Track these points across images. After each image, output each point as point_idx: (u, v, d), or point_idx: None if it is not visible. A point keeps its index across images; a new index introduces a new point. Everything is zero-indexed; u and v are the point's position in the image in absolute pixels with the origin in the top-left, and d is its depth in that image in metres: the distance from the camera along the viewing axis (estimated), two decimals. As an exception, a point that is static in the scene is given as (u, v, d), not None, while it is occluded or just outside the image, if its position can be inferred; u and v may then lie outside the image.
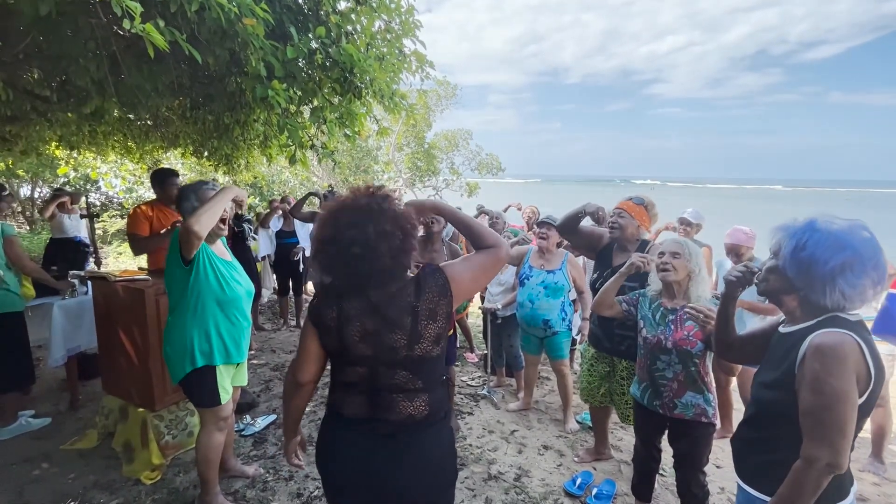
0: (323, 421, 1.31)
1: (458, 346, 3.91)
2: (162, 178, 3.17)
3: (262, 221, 5.06)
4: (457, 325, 3.37)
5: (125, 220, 11.12)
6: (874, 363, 1.11)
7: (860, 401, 1.10)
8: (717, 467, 2.77)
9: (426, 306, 1.20)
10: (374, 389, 1.22)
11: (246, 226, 4.57)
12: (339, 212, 1.19)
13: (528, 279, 3.13)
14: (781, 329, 1.28)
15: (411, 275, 1.26)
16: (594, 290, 2.49)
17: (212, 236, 2.11)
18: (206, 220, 1.92)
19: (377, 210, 1.17)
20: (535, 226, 3.25)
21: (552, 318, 3.05)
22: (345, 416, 1.25)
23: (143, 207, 3.11)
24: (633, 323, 2.34)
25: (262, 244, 5.39)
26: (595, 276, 2.60)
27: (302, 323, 5.25)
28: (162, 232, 2.93)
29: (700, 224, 3.66)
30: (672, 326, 1.98)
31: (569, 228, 2.66)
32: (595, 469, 2.69)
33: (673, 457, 2.11)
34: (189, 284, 2.01)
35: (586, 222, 2.69)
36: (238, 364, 2.23)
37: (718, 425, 2.92)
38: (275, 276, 5.40)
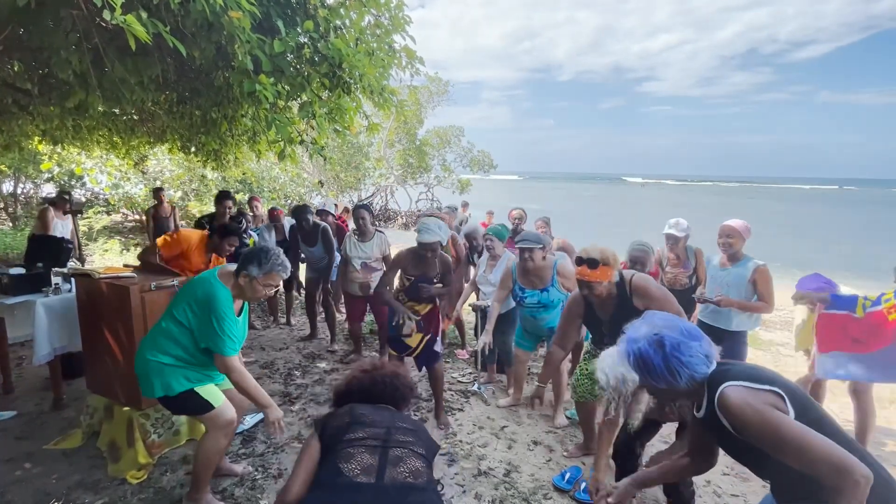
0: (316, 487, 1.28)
1: (447, 342, 3.92)
2: (224, 233, 3.33)
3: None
4: (443, 322, 3.36)
5: (111, 217, 10.96)
6: (769, 384, 1.20)
7: (793, 415, 1.17)
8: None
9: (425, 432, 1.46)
10: (386, 445, 1.32)
11: (253, 234, 4.68)
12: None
13: (524, 300, 3.13)
14: (696, 414, 1.38)
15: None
16: (601, 346, 2.41)
17: (242, 299, 2.12)
18: (235, 380, 2.00)
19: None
20: (515, 245, 3.12)
21: (556, 323, 3.07)
22: (343, 472, 1.25)
23: (192, 238, 3.31)
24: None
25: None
26: (596, 336, 2.51)
27: (292, 321, 5.23)
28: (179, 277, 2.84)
29: (687, 235, 3.55)
30: None
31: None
32: (584, 464, 2.72)
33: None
34: (193, 340, 2.02)
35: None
36: None
37: None
38: None
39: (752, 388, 1.20)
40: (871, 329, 2.68)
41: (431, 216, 3.00)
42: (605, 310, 2.39)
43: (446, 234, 2.95)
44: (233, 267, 2.11)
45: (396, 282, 3.09)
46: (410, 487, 1.24)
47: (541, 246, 2.99)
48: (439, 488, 1.38)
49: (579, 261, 2.35)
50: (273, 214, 5.06)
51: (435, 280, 2.97)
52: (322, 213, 4.91)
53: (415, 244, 2.91)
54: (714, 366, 1.28)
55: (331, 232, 4.38)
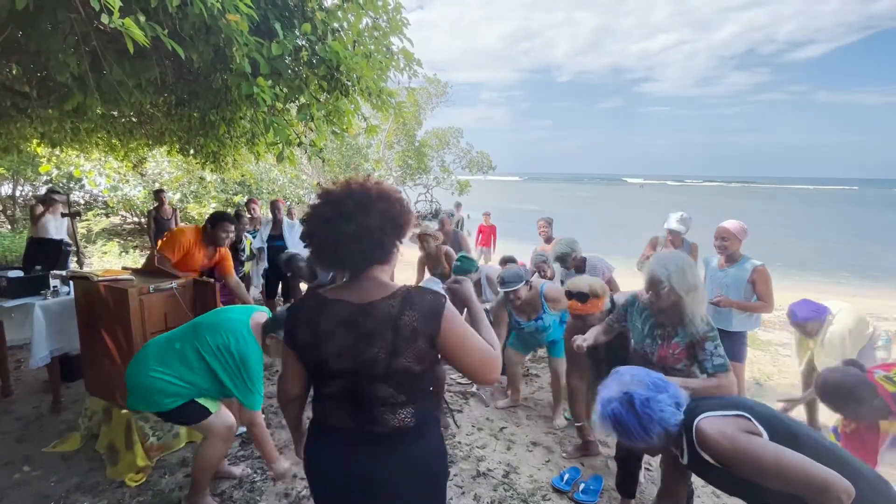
0: (308, 429, 1.29)
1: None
2: (216, 220, 3.28)
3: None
4: None
5: (110, 219, 10.95)
6: (735, 409, 1.25)
7: (766, 436, 1.20)
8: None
9: (409, 323, 1.12)
10: (357, 402, 1.18)
11: (248, 236, 4.65)
12: (340, 192, 1.16)
13: (523, 329, 3.19)
14: (682, 462, 1.42)
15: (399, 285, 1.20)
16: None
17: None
18: (259, 438, 2.06)
19: (373, 192, 1.15)
20: (499, 287, 3.10)
21: (557, 336, 3.15)
22: (330, 427, 1.22)
23: (188, 234, 3.22)
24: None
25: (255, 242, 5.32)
26: (594, 363, 2.52)
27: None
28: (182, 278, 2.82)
29: (687, 228, 3.62)
30: (659, 342, 1.98)
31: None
32: (583, 465, 2.72)
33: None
34: (211, 379, 2.02)
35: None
36: None
37: None
38: (263, 282, 5.33)
39: (722, 415, 1.24)
40: None
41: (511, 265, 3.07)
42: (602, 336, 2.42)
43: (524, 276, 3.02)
44: (262, 317, 2.14)
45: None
46: (387, 439, 1.18)
47: (523, 283, 3.00)
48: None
49: (569, 295, 2.45)
50: (274, 205, 5.07)
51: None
52: None
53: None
54: (683, 410, 1.33)
55: None
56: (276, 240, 5.10)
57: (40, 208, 4.95)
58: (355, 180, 1.19)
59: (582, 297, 2.41)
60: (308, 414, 1.32)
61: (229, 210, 8.84)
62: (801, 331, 2.97)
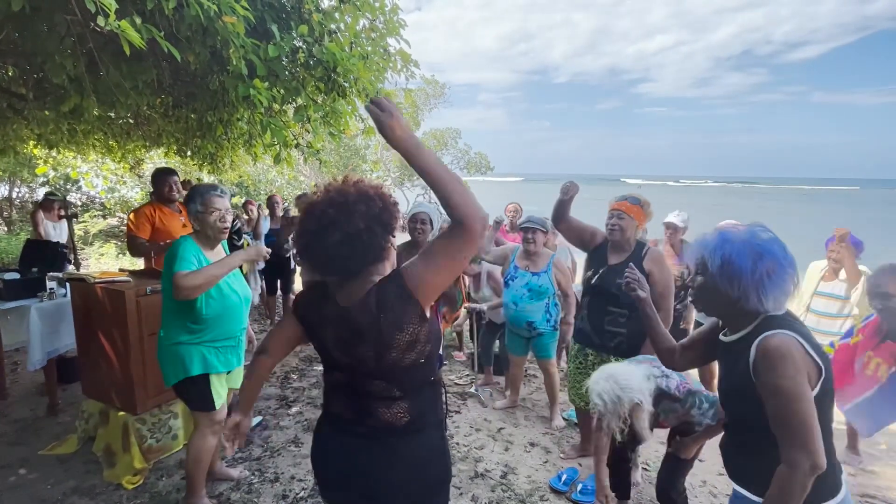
0: (319, 419, 1.34)
1: (444, 345, 3.92)
2: (155, 176, 3.24)
3: (255, 231, 5.01)
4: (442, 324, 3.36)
5: (107, 221, 10.92)
6: (818, 354, 1.16)
7: (814, 393, 1.14)
8: (700, 461, 2.81)
9: (389, 316, 1.12)
10: (354, 394, 1.21)
11: (246, 237, 4.60)
12: (321, 202, 1.15)
13: (513, 280, 3.12)
14: (723, 338, 1.32)
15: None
16: (590, 287, 2.48)
17: (212, 241, 2.10)
18: (199, 285, 1.89)
19: (357, 195, 1.14)
20: (519, 228, 3.19)
21: (536, 319, 3.06)
22: (333, 414, 1.27)
23: (145, 208, 3.15)
24: (625, 320, 2.36)
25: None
26: (590, 273, 2.53)
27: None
28: (162, 243, 2.95)
29: (686, 227, 3.65)
30: None
31: (559, 217, 2.58)
32: (580, 465, 2.72)
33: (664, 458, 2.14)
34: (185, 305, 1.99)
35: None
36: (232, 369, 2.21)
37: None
38: (263, 282, 5.32)
39: (805, 349, 1.14)
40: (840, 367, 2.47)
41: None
42: (616, 255, 2.43)
43: (435, 213, 2.87)
44: None
45: None
46: (386, 433, 1.20)
47: (544, 230, 3.02)
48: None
49: (622, 196, 2.40)
50: (270, 200, 5.08)
51: None
52: None
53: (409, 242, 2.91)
54: (785, 313, 1.21)
55: None
56: (272, 234, 5.08)
57: (40, 214, 4.93)
58: (334, 184, 1.18)
59: (635, 199, 2.35)
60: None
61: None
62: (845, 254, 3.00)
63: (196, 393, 2.06)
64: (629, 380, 1.81)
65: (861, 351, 2.41)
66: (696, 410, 1.89)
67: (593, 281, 2.46)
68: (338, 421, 1.26)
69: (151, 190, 3.39)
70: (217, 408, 2.09)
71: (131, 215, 3.15)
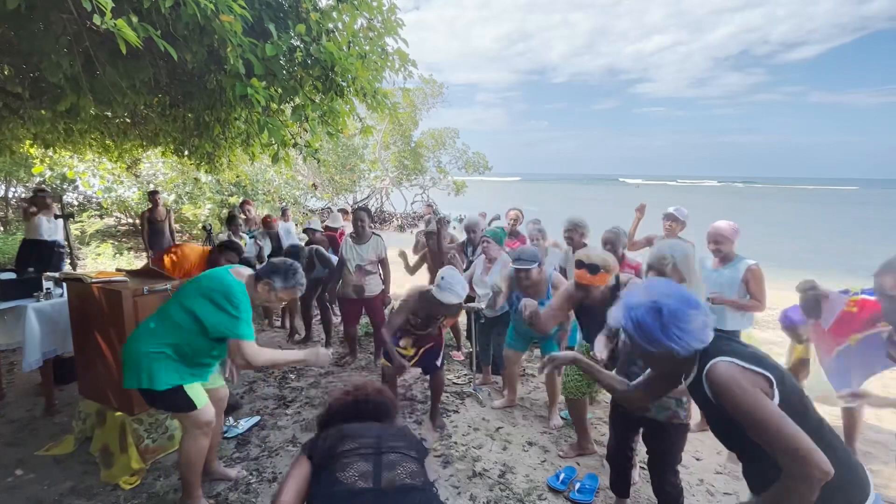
0: None
1: (444, 346, 3.90)
2: (222, 247, 3.34)
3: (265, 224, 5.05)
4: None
5: (104, 221, 10.87)
6: (759, 365, 1.21)
7: (776, 400, 1.18)
8: (697, 459, 2.83)
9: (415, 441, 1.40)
10: (379, 452, 1.30)
11: (245, 237, 4.66)
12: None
13: (519, 311, 3.13)
14: (683, 383, 1.40)
15: None
16: (591, 331, 2.48)
17: (254, 303, 2.10)
18: (261, 364, 1.99)
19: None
20: (512, 267, 3.10)
21: (551, 332, 3.08)
22: (342, 485, 1.25)
23: (193, 258, 3.29)
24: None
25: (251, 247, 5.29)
26: (585, 320, 2.57)
27: (287, 323, 5.20)
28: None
29: (685, 222, 3.69)
30: None
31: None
32: (578, 464, 2.73)
33: (647, 453, 2.15)
34: (196, 333, 2.00)
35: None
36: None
37: (696, 421, 2.98)
38: None
39: (742, 366, 1.20)
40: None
41: (453, 269, 2.84)
42: (597, 300, 2.42)
43: (465, 292, 2.78)
44: (245, 270, 2.13)
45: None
46: (411, 488, 1.24)
47: (537, 265, 2.99)
48: (434, 490, 1.35)
49: (579, 264, 2.37)
50: (266, 222, 5.04)
51: (437, 318, 2.93)
52: (308, 231, 4.92)
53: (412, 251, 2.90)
54: (711, 336, 1.27)
55: (323, 250, 4.40)
56: (276, 253, 5.10)
57: (32, 209, 4.92)
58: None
59: (594, 268, 2.34)
60: None
61: (224, 211, 8.83)
62: (791, 334, 3.01)
63: (171, 402, 2.04)
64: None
65: (854, 328, 2.47)
66: None
67: (593, 327, 2.44)
68: (345, 487, 1.25)
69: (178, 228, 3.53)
70: (199, 407, 2.07)
71: (178, 251, 3.30)
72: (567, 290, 2.56)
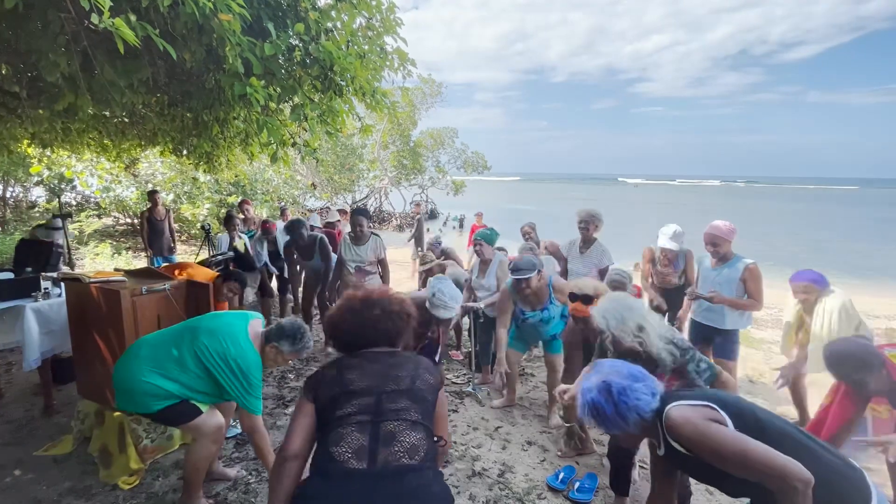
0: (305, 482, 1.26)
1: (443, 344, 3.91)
2: (226, 276, 3.24)
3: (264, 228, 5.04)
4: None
5: (102, 221, 10.85)
6: (704, 400, 1.31)
7: (731, 425, 1.25)
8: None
9: (421, 379, 1.38)
10: (377, 420, 1.26)
11: (243, 237, 4.66)
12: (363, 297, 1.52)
13: (526, 321, 3.14)
14: (659, 453, 1.48)
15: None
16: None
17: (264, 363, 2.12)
18: (260, 445, 2.05)
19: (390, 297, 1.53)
20: (510, 271, 3.05)
21: (558, 330, 3.14)
22: (336, 463, 1.21)
23: (199, 277, 3.16)
24: None
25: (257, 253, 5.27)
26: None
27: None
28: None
29: (680, 244, 3.55)
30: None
31: None
32: (578, 463, 2.73)
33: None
34: (210, 384, 2.01)
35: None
36: None
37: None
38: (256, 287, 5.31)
39: (689, 404, 1.30)
40: None
41: (445, 279, 2.79)
42: (596, 338, 2.40)
43: (458, 304, 2.74)
44: (259, 326, 2.13)
45: None
46: (406, 469, 1.20)
47: (536, 272, 2.98)
48: (431, 469, 1.28)
49: (573, 297, 2.41)
50: (265, 227, 5.03)
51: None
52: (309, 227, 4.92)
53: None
54: (657, 402, 1.37)
55: (328, 242, 4.38)
56: (274, 256, 5.11)
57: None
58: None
59: (587, 299, 2.38)
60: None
61: (222, 211, 8.81)
62: (800, 293, 2.94)
63: (173, 416, 2.02)
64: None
65: (846, 412, 2.18)
66: (692, 365, 1.86)
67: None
68: (339, 467, 1.22)
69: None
70: (204, 410, 2.06)
71: (182, 272, 3.15)
72: (567, 336, 2.66)
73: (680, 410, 1.30)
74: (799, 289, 2.94)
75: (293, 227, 4.30)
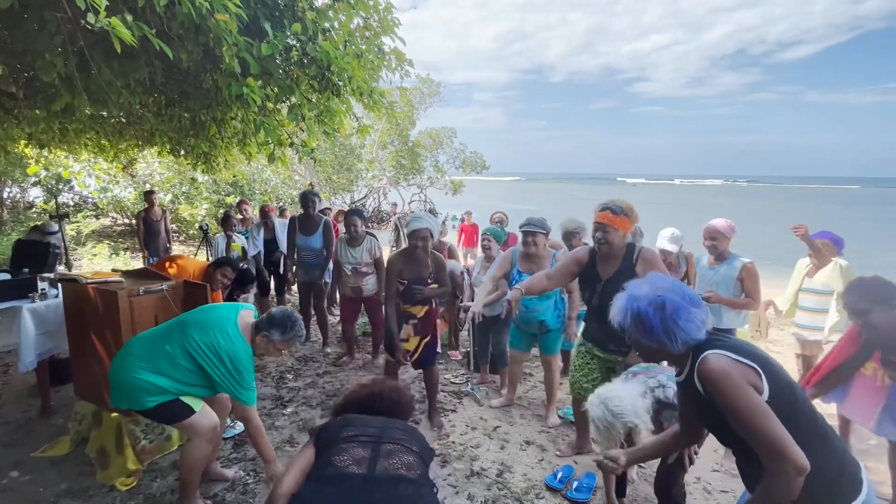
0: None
1: (441, 344, 3.92)
2: (217, 264, 3.29)
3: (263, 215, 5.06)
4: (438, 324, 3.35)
5: (100, 221, 10.83)
6: (749, 358, 1.23)
7: (765, 396, 1.20)
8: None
9: (418, 439, 1.44)
10: (378, 441, 1.31)
11: (241, 236, 4.68)
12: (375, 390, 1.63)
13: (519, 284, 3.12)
14: (677, 379, 1.44)
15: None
16: (590, 306, 2.46)
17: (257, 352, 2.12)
18: (254, 435, 2.07)
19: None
20: (519, 231, 3.15)
21: (547, 317, 3.09)
22: (335, 467, 1.26)
23: (191, 269, 3.24)
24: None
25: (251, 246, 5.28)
26: (587, 293, 2.47)
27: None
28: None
29: (680, 246, 3.58)
30: None
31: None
32: (576, 463, 2.73)
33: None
34: (203, 378, 2.01)
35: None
36: None
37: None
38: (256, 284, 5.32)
39: (733, 359, 1.23)
40: None
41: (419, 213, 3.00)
42: (607, 266, 2.38)
43: (436, 224, 2.95)
44: (249, 315, 2.12)
45: None
46: (401, 478, 1.24)
47: (544, 232, 3.00)
48: (434, 490, 1.33)
49: (603, 207, 2.32)
50: (263, 211, 5.04)
51: (429, 281, 2.97)
52: None
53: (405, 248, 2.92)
54: (704, 335, 1.31)
55: (332, 227, 4.39)
56: (270, 243, 5.13)
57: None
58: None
59: (617, 209, 2.27)
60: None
61: (220, 211, 8.80)
62: (812, 247, 3.21)
63: (167, 414, 2.01)
64: (621, 404, 1.78)
65: (842, 355, 2.32)
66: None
67: (594, 302, 2.41)
68: (337, 470, 1.27)
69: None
70: (197, 410, 2.05)
71: (174, 263, 3.25)
72: (576, 254, 2.52)
73: (720, 361, 1.22)
74: (817, 244, 3.17)
75: (306, 195, 4.33)
